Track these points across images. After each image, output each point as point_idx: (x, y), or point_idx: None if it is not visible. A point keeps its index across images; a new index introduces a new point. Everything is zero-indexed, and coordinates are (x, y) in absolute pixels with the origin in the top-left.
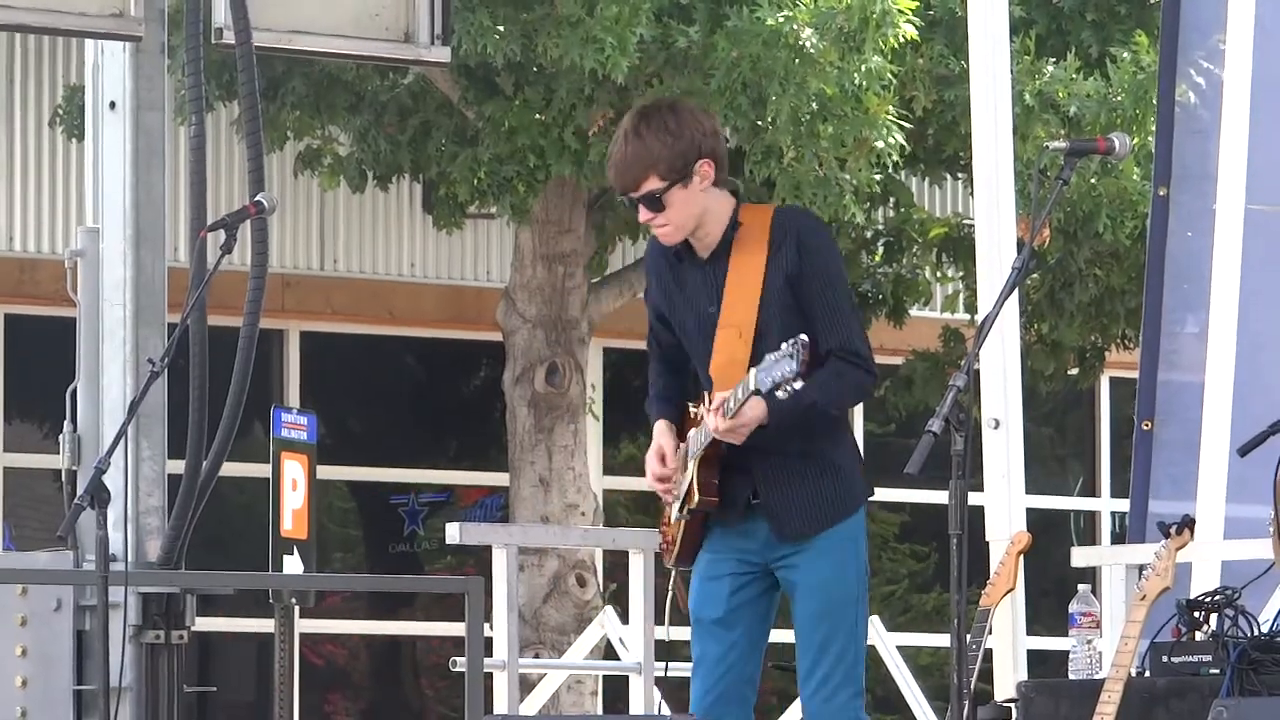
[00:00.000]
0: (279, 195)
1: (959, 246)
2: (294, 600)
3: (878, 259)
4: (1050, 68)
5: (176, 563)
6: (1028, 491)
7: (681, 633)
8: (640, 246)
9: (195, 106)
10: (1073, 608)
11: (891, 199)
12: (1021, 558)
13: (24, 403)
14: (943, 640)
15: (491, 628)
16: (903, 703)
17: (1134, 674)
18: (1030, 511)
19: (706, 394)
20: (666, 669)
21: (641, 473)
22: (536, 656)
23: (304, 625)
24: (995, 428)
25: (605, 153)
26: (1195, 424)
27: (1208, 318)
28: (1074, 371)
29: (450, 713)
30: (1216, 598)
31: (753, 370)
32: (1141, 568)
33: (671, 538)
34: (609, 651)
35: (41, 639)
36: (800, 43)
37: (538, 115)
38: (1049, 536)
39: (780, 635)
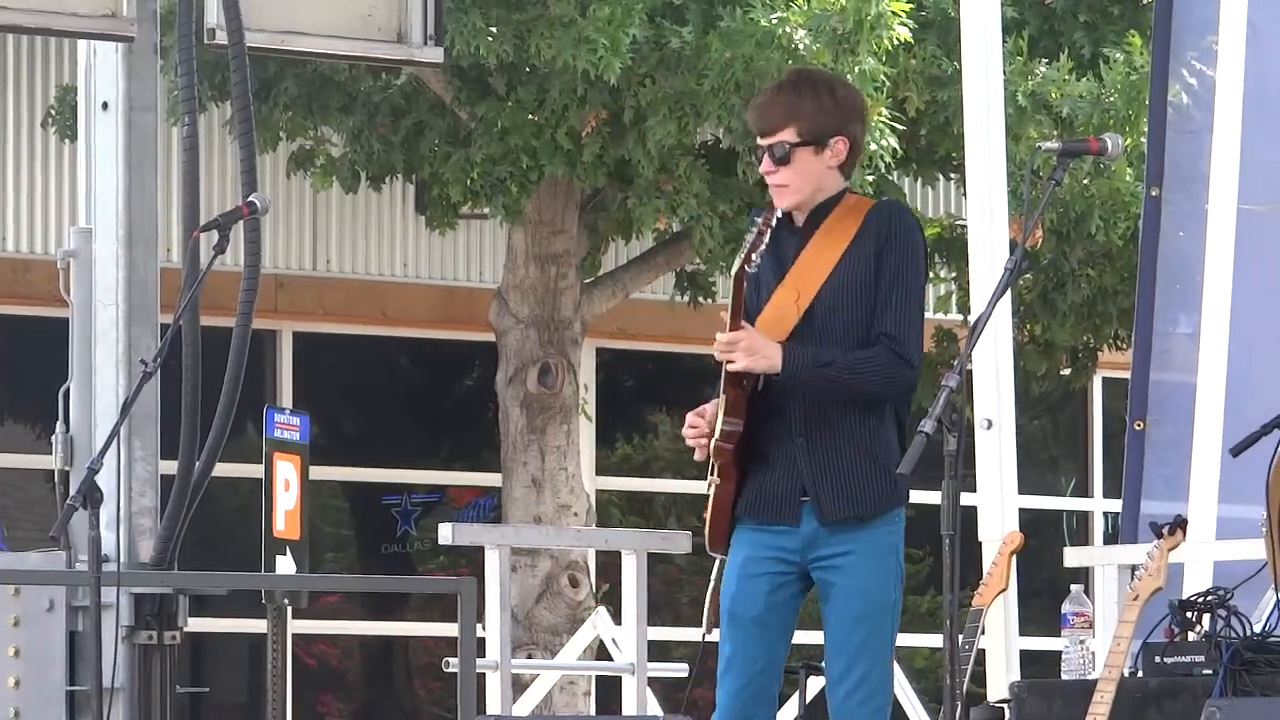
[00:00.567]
0: (272, 196)
1: (952, 247)
2: (287, 601)
3: None
4: (1043, 68)
5: (169, 563)
6: (1020, 492)
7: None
8: (633, 248)
9: (188, 107)
10: (1065, 608)
11: (883, 199)
12: (1014, 558)
13: (16, 403)
14: (936, 641)
15: (484, 628)
16: (897, 704)
17: (1126, 674)
18: (1023, 512)
19: None
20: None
21: (634, 473)
22: (529, 657)
23: (297, 626)
24: (988, 428)
25: (597, 153)
26: (1188, 424)
27: (1200, 318)
28: (1066, 372)
29: (443, 713)
30: (1209, 598)
31: None
32: (1134, 568)
33: (709, 512)
34: (601, 652)
35: (34, 640)
36: (793, 44)
37: (530, 116)
38: (1041, 537)
39: (801, 636)
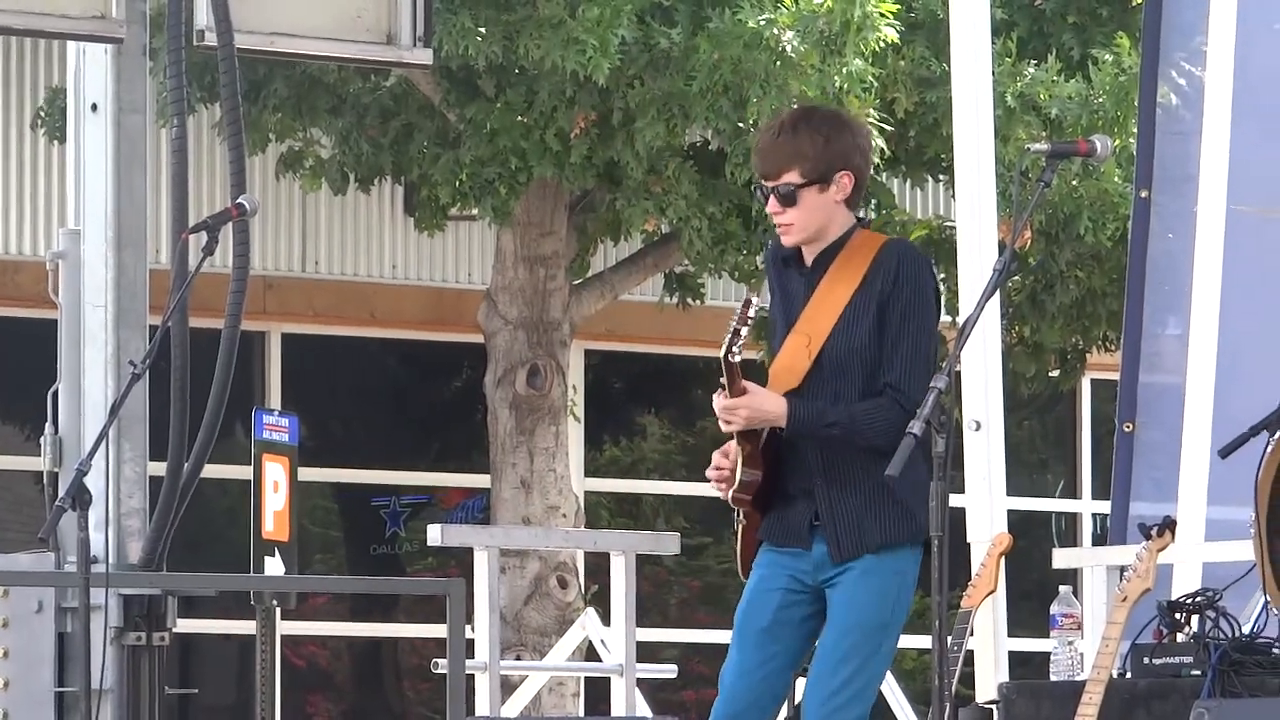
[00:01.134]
0: (261, 197)
1: (940, 248)
2: (275, 602)
3: None
4: (1032, 70)
5: (158, 564)
6: (1009, 493)
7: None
8: (621, 249)
9: (177, 109)
10: (1054, 609)
11: (873, 201)
12: (1002, 559)
13: (5, 405)
14: (925, 642)
15: (473, 629)
16: (885, 706)
17: (1115, 675)
18: (1011, 513)
19: None
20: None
21: (622, 474)
22: (518, 658)
23: (285, 627)
24: (976, 429)
25: (586, 155)
26: (1176, 426)
27: (1189, 319)
28: (1055, 373)
29: (432, 714)
30: (1197, 599)
31: None
32: (1123, 569)
33: (738, 544)
34: (590, 653)
35: (23, 641)
36: (781, 45)
37: (519, 117)
38: (1030, 538)
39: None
